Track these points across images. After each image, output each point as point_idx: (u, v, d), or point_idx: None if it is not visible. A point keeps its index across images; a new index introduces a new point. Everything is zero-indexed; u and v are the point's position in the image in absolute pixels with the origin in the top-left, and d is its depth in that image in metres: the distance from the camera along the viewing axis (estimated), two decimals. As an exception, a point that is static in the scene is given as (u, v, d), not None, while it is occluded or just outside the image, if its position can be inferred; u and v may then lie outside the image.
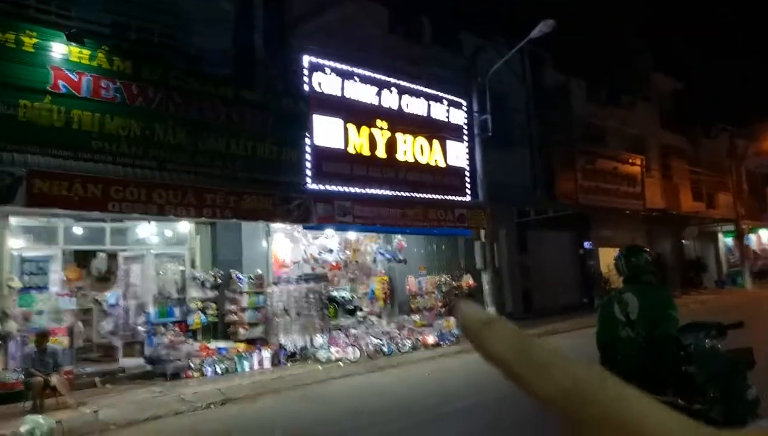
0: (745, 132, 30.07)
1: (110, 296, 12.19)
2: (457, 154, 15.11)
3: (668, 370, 3.60)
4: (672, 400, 3.37)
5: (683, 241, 27.89)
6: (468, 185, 15.22)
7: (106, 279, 13.52)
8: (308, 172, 11.72)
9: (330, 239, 13.44)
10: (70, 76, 8.65)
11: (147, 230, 11.60)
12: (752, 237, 31.64)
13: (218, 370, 10.36)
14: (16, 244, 9.91)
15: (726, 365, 3.74)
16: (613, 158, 22.44)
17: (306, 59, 12.01)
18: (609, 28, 25.05)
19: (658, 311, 3.66)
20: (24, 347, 8.94)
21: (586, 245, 22.29)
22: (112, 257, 12.97)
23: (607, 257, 23.04)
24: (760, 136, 29.22)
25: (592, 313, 18.46)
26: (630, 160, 23.26)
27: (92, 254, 13.04)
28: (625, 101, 24.87)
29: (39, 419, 6.90)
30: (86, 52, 8.82)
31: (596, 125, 22.84)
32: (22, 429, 6.66)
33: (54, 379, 8.12)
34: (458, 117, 15.18)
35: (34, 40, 8.33)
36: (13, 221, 9.70)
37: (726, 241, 31.51)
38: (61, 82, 8.55)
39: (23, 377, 8.33)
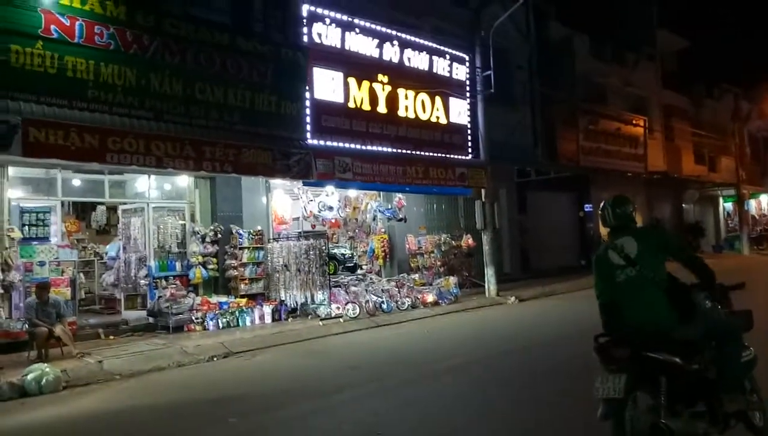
0: (750, 94, 29.68)
1: (110, 248, 12.21)
2: (459, 112, 14.88)
3: (681, 294, 3.66)
4: (669, 359, 3.39)
5: (683, 205, 27.90)
6: (469, 143, 15.06)
7: (105, 232, 13.54)
8: (308, 127, 11.53)
9: (330, 196, 13.36)
10: (62, 20, 8.33)
11: (146, 183, 11.51)
12: (752, 202, 31.67)
13: (220, 324, 10.44)
14: (14, 194, 9.81)
15: (722, 326, 3.76)
16: (615, 119, 22.18)
17: (305, 8, 11.64)
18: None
19: (671, 247, 3.76)
20: (27, 298, 8.98)
21: (587, 207, 22.26)
22: (111, 209, 12.96)
23: (606, 219, 23.03)
24: (765, 97, 28.82)
25: (589, 275, 18.70)
26: (633, 121, 23.01)
27: (91, 206, 13.02)
28: (629, 59, 24.38)
29: (44, 367, 6.98)
30: (77, -6, 8.49)
31: (599, 84, 22.47)
32: (29, 377, 6.75)
33: (57, 329, 8.17)
34: (461, 73, 14.87)
35: (23, -19, 8.00)
36: (12, 171, 9.56)
37: (726, 205, 31.56)
38: (52, 27, 8.23)
39: (28, 326, 8.40)
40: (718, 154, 29.22)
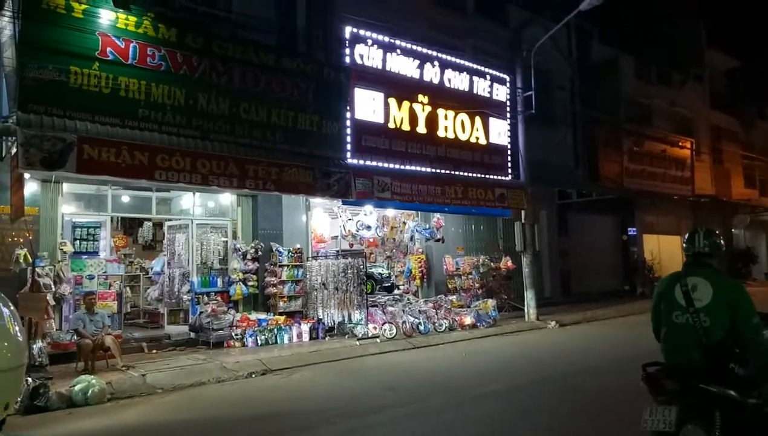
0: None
1: (156, 263, 12.54)
2: (499, 132, 14.78)
3: (722, 367, 3.42)
4: (725, 392, 3.22)
5: (733, 230, 26.85)
6: (509, 164, 14.92)
7: (151, 247, 13.94)
8: (348, 147, 11.66)
9: (368, 215, 13.40)
10: (117, 42, 8.72)
11: (191, 201, 11.82)
12: (807, 227, 30.19)
13: (258, 341, 10.51)
14: (68, 209, 10.23)
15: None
16: (661, 140, 21.66)
17: (348, 30, 11.85)
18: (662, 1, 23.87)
19: (741, 314, 3.36)
20: (76, 310, 9.28)
21: (630, 231, 21.69)
22: (157, 225, 13.35)
23: (651, 244, 22.49)
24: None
25: (633, 300, 18.10)
26: (679, 143, 22.41)
27: (139, 222, 13.45)
28: (676, 80, 23.83)
29: (91, 379, 7.17)
30: (132, 18, 8.86)
31: (643, 105, 22.03)
32: (76, 388, 6.94)
33: (108, 340, 8.41)
34: (501, 93, 14.80)
35: (84, 6, 8.40)
36: (66, 187, 9.99)
37: (779, 230, 30.18)
38: (108, 49, 8.62)
39: (76, 338, 8.67)
40: (770, 177, 28.11)
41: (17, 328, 1.06)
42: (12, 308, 1.09)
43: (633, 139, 20.53)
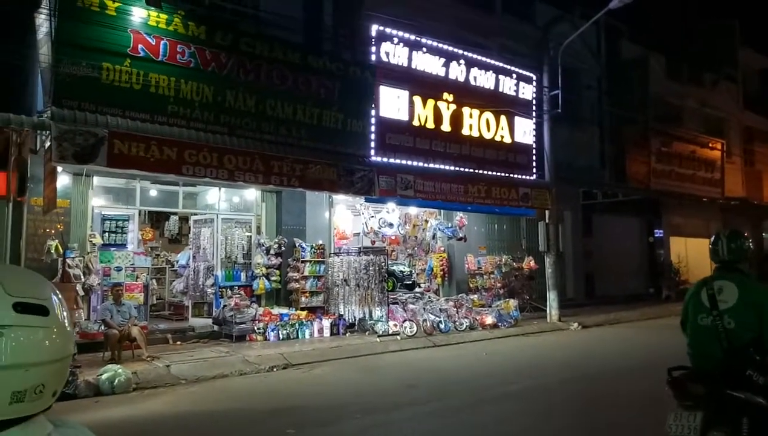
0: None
1: (181, 257, 12.76)
2: (525, 131, 14.65)
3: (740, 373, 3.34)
4: (753, 399, 3.16)
5: (763, 233, 26.18)
6: (534, 164, 14.79)
7: (177, 241, 14.19)
8: (372, 144, 11.69)
9: (391, 213, 13.43)
10: (149, 39, 8.88)
11: (216, 196, 12.00)
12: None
13: (280, 335, 10.63)
14: (97, 203, 10.48)
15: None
16: (690, 141, 21.21)
17: (374, 28, 11.87)
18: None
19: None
20: (103, 301, 9.51)
21: (657, 233, 21.29)
22: (184, 219, 13.58)
23: (678, 247, 22.06)
24: None
25: (658, 304, 17.78)
26: (709, 144, 21.92)
27: (165, 216, 13.70)
28: (708, 79, 23.27)
29: (117, 368, 7.35)
30: (163, 16, 9.02)
31: (673, 105, 21.57)
32: (103, 377, 7.13)
33: (135, 330, 8.60)
34: (527, 92, 14.66)
35: (117, 4, 8.57)
36: (96, 180, 10.24)
37: (812, 234, 29.30)
38: (140, 46, 8.79)
39: (104, 328, 8.88)
40: (805, 181, 27.27)
41: (66, 317, 1.10)
42: (60, 296, 1.12)
43: (661, 139, 20.14)
